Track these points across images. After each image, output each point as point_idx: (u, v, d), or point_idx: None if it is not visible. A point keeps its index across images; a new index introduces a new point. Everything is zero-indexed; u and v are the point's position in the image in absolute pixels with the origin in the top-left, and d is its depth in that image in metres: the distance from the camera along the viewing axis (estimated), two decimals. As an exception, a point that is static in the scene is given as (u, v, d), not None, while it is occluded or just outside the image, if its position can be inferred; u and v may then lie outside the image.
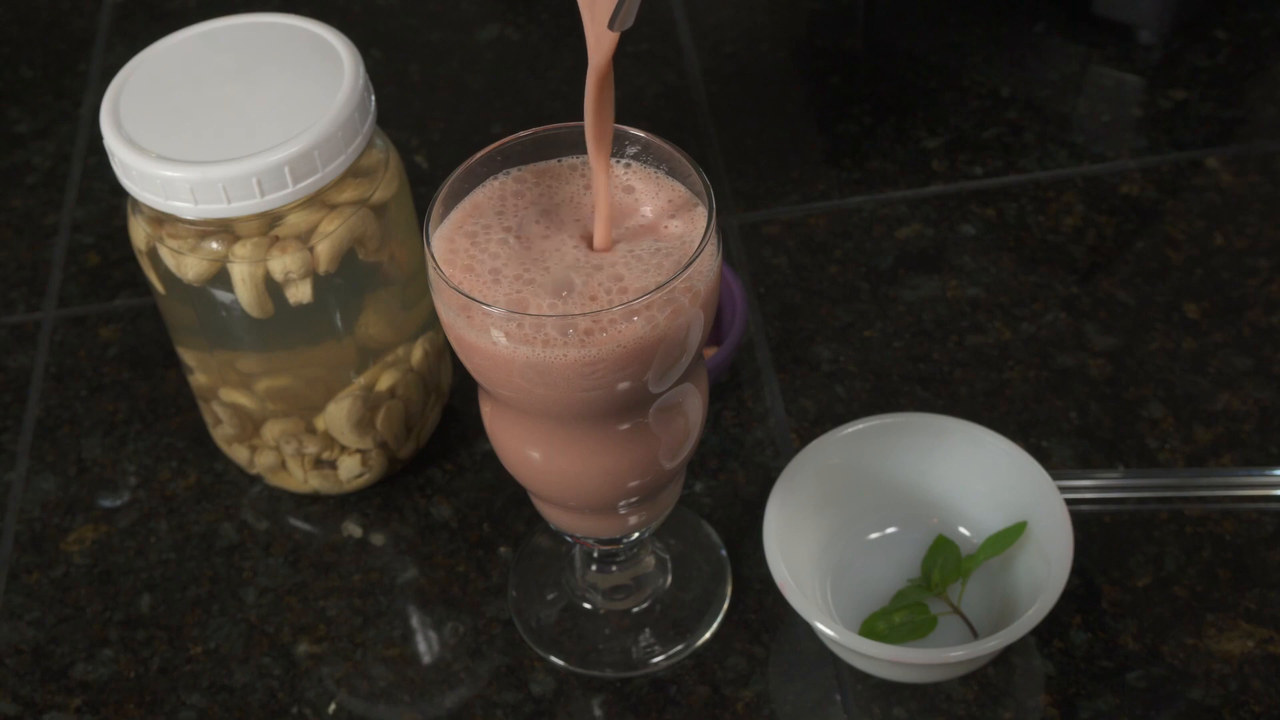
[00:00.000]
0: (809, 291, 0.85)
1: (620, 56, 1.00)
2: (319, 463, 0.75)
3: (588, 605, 0.72)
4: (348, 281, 0.69)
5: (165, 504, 0.78)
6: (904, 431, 0.71)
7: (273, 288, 0.67)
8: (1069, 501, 0.67)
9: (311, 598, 0.73)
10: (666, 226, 0.58)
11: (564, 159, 0.60)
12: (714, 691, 0.68)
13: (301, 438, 0.74)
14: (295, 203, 0.65)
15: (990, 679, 0.68)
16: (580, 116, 0.57)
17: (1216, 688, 0.67)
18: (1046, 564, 0.65)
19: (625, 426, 0.60)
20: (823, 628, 0.64)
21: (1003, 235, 0.87)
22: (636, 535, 0.67)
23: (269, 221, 0.66)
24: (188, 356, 0.74)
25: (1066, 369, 0.79)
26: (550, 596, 0.73)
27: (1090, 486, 0.73)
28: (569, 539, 0.69)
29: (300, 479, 0.76)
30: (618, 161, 0.60)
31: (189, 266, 0.67)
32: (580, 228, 0.58)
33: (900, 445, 0.71)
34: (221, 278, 0.67)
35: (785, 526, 0.67)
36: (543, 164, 0.60)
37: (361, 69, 0.67)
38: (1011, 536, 0.68)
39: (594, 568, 0.71)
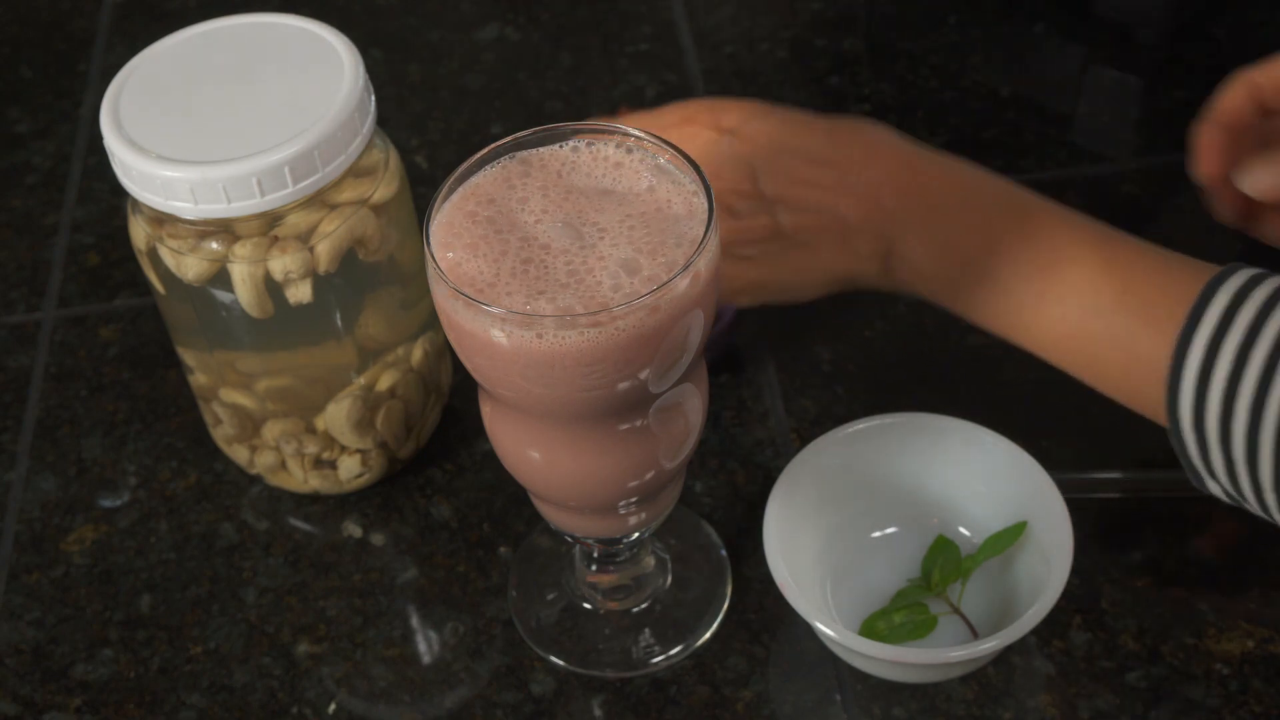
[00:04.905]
0: (809, 291, 0.84)
1: (620, 56, 1.00)
2: (319, 463, 0.75)
3: (588, 605, 0.72)
4: (348, 281, 0.69)
5: (165, 504, 0.78)
6: (904, 431, 0.71)
7: (273, 288, 0.67)
8: (1069, 501, 0.67)
9: (311, 598, 0.73)
10: (667, 226, 0.58)
11: (566, 143, 0.60)
12: (714, 691, 0.68)
13: (301, 438, 0.74)
14: (295, 203, 0.65)
15: (990, 679, 0.68)
16: (580, 117, 0.57)
17: (1216, 688, 0.67)
18: (1046, 564, 0.65)
19: (625, 426, 0.60)
20: (823, 628, 0.64)
21: (1003, 235, 0.87)
22: (636, 535, 0.67)
23: (269, 221, 0.66)
24: (188, 356, 0.74)
25: (1066, 369, 0.79)
26: (550, 596, 0.73)
27: (1090, 486, 0.73)
28: (569, 539, 0.69)
29: (300, 479, 0.76)
30: (618, 148, 0.60)
31: (189, 266, 0.67)
32: (582, 213, 0.58)
33: (900, 445, 0.71)
34: (221, 278, 0.67)
35: (785, 526, 0.67)
36: (546, 149, 0.60)
37: (361, 69, 0.67)
38: (1011, 536, 0.68)
39: (594, 568, 0.71)
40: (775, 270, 0.70)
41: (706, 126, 0.69)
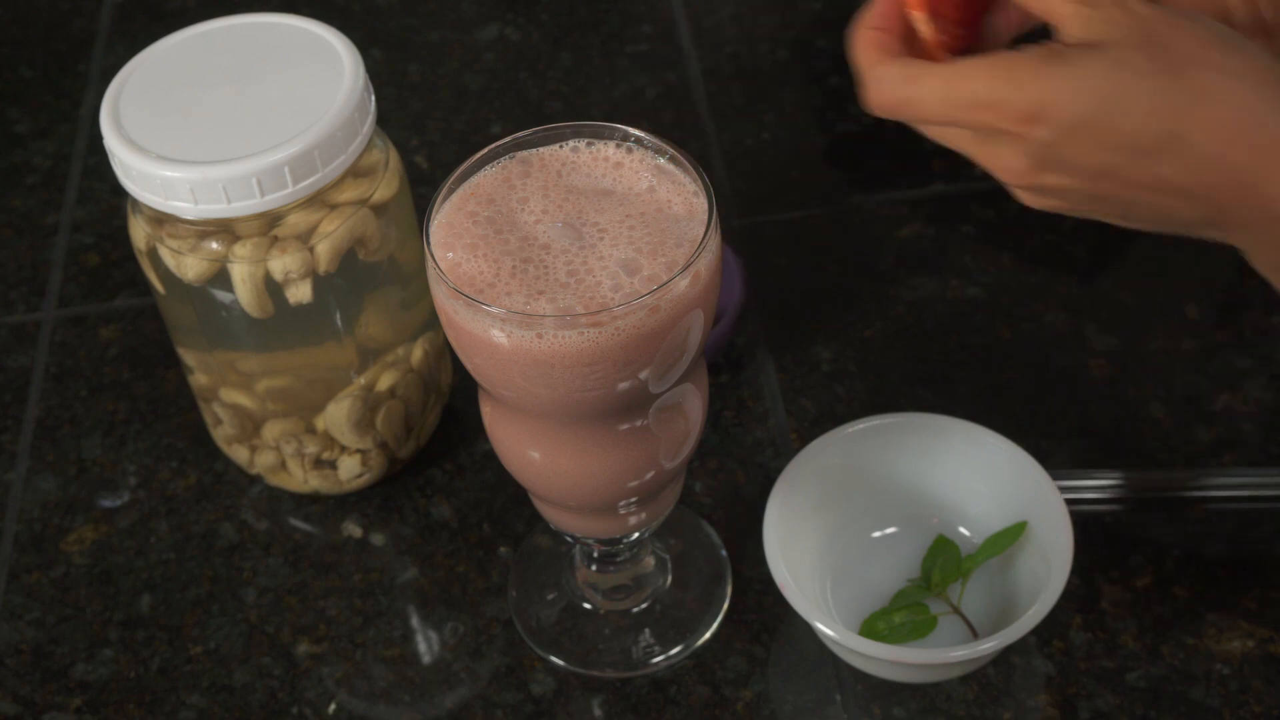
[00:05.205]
0: (809, 291, 0.85)
1: (620, 56, 1.00)
2: (319, 463, 0.75)
3: (588, 605, 0.72)
4: (348, 281, 0.69)
5: (165, 504, 0.78)
6: (904, 431, 0.71)
7: (273, 288, 0.67)
8: (1069, 501, 0.67)
9: (311, 598, 0.73)
10: (667, 226, 0.58)
11: (566, 143, 0.60)
12: (714, 691, 0.68)
13: (301, 438, 0.74)
14: (295, 203, 0.65)
15: (990, 679, 0.68)
16: (580, 117, 0.57)
17: (1216, 688, 0.67)
18: (1046, 564, 0.65)
19: (625, 426, 0.60)
20: (823, 628, 0.64)
21: (1003, 235, 0.87)
22: (636, 535, 0.67)
23: (269, 221, 0.66)
24: (188, 356, 0.74)
25: (1066, 369, 0.79)
26: (550, 596, 0.73)
27: (1090, 486, 0.73)
28: (569, 539, 0.69)
29: (300, 479, 0.76)
30: (618, 148, 0.60)
31: (189, 266, 0.67)
32: (582, 213, 0.58)
33: (900, 445, 0.71)
34: (221, 278, 0.67)
35: (785, 526, 0.67)
36: (546, 149, 0.60)
37: (361, 69, 0.67)
38: (1011, 536, 0.68)
39: (594, 568, 0.71)
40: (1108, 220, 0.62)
41: (1011, 121, 0.57)
